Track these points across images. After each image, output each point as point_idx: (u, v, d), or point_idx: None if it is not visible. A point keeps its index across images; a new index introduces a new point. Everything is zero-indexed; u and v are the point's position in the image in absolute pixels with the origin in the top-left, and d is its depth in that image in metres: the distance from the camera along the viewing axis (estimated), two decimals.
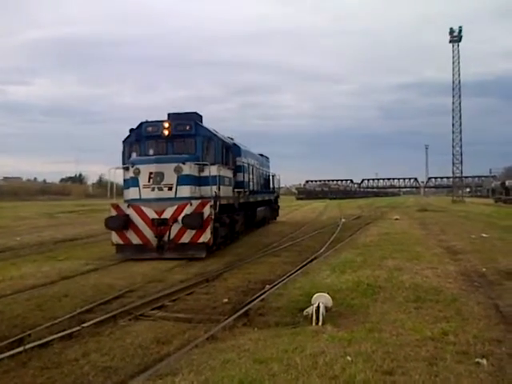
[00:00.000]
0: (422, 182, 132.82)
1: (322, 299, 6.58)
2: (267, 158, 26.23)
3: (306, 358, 4.90)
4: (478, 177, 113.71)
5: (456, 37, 60.89)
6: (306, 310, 6.62)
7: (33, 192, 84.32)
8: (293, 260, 12.38)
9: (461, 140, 61.28)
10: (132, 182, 13.98)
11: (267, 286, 8.91)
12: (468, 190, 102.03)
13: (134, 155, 14.84)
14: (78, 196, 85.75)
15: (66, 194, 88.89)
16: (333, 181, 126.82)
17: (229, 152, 16.67)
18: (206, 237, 13.28)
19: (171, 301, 8.21)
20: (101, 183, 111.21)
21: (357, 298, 7.62)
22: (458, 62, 60.77)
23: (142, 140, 14.90)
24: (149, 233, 13.43)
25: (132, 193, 13.98)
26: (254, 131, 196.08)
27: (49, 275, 10.77)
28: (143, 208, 13.50)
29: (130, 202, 13.85)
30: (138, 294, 8.70)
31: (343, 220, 26.10)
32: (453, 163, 62.76)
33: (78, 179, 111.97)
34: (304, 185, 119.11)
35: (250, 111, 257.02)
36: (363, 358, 4.88)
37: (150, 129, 14.78)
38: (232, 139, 18.08)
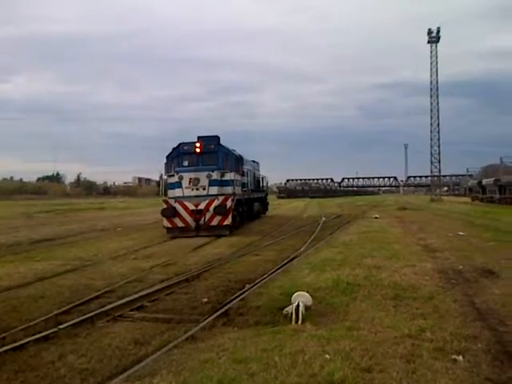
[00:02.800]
0: (402, 181, 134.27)
1: (301, 298, 6.59)
2: (258, 163, 31.09)
3: (286, 357, 4.91)
4: (456, 176, 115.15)
5: (434, 37, 61.64)
6: (286, 309, 6.62)
7: (9, 191, 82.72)
8: (273, 259, 12.39)
9: (439, 139, 62.23)
10: (177, 185, 19.76)
11: (247, 285, 8.90)
12: (446, 188, 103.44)
13: (173, 166, 20.58)
14: (56, 195, 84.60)
15: (43, 193, 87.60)
16: (313, 180, 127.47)
17: (238, 162, 22.35)
18: (228, 221, 19.06)
19: (150, 301, 8.13)
20: (79, 182, 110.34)
21: (336, 296, 7.66)
22: (436, 63, 61.57)
23: (179, 155, 20.70)
24: (189, 219, 19.03)
25: (177, 192, 19.71)
26: (235, 130, 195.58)
27: (25, 276, 10.60)
28: (185, 202, 19.15)
29: (176, 198, 19.37)
30: (116, 295, 8.59)
31: (323, 219, 26.23)
32: (431, 162, 63.67)
33: (56, 178, 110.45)
34: (285, 184, 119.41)
35: (230, 110, 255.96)
36: (342, 355, 4.91)
37: (186, 147, 20.60)
38: (235, 150, 22.69)
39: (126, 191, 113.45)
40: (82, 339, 6.08)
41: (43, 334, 6.16)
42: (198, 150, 20.47)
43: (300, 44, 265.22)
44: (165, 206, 19.33)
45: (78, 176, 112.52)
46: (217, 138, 21.15)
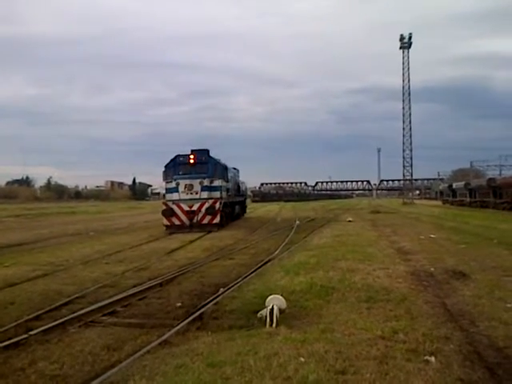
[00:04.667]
0: (375, 185, 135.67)
1: (275, 301, 6.58)
2: (238, 170, 34.52)
3: (260, 360, 4.90)
4: (427, 179, 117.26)
5: (406, 43, 62.55)
6: (260, 313, 6.61)
7: None
8: (247, 262, 12.39)
9: (411, 144, 63.02)
10: (175, 190, 23.87)
11: (221, 289, 8.87)
12: (418, 192, 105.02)
13: (170, 174, 24.48)
14: (26, 199, 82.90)
15: (13, 197, 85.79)
16: (287, 183, 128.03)
17: (224, 170, 26.30)
18: (217, 219, 23.23)
19: (123, 306, 8.04)
20: (50, 186, 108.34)
21: (310, 299, 7.69)
22: (408, 68, 62.41)
23: (176, 165, 24.67)
24: (184, 218, 23.12)
25: (174, 196, 23.80)
26: (209, 134, 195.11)
27: None
28: (181, 204, 23.29)
29: (173, 201, 23.49)
30: (88, 300, 8.46)
31: (297, 222, 26.29)
32: (403, 166, 64.53)
33: (26, 182, 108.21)
34: (259, 188, 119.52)
35: (204, 113, 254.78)
36: (316, 358, 4.93)
37: (181, 159, 24.65)
38: (221, 160, 26.43)
39: (98, 195, 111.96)
40: (54, 345, 5.96)
41: (13, 340, 6.02)
42: (191, 161, 24.60)
43: (273, 48, 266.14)
44: (164, 207, 23.56)
45: (49, 180, 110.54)
46: (207, 151, 25.29)
